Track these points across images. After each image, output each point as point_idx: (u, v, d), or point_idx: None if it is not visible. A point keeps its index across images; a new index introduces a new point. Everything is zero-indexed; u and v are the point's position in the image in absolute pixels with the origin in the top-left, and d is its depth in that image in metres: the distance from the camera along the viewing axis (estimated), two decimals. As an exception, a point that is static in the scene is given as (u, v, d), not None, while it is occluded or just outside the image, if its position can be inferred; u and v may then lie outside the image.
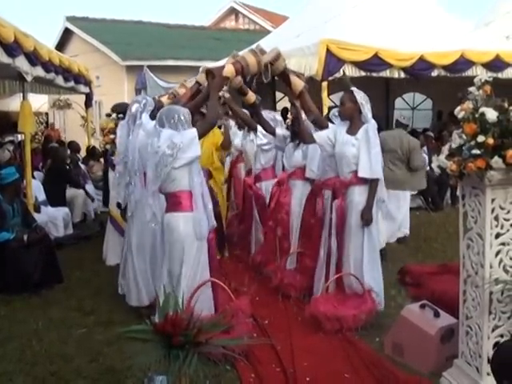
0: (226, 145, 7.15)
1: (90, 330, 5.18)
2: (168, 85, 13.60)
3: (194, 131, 4.59)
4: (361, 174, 5.20)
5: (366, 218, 5.21)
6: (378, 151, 5.23)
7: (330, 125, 5.60)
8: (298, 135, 6.14)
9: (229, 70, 5.03)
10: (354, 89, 5.41)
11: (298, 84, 5.57)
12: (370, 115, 5.31)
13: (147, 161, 5.25)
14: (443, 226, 8.73)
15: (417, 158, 7.97)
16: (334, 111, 5.83)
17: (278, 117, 7.09)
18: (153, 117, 5.49)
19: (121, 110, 8.27)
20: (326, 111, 8.64)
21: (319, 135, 5.51)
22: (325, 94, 8.87)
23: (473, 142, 3.40)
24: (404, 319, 4.48)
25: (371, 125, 5.25)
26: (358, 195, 5.27)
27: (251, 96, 6.28)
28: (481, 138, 3.36)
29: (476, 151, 3.37)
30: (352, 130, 5.32)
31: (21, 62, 6.94)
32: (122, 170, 5.77)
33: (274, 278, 6.01)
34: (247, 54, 5.14)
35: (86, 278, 6.75)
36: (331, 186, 5.49)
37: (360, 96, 5.30)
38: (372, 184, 5.22)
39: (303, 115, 5.88)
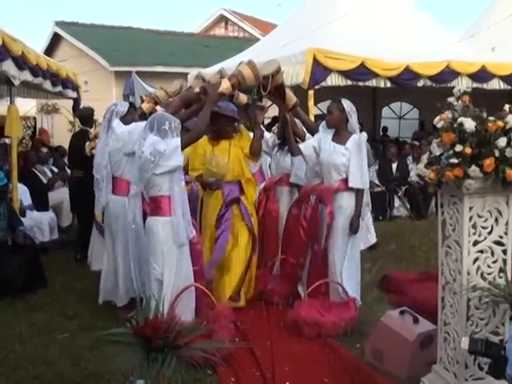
0: (254, 151, 5.84)
1: (72, 335, 5.18)
2: (156, 91, 13.63)
3: (177, 140, 4.63)
4: (352, 185, 5.29)
5: (355, 227, 5.32)
6: (366, 162, 5.35)
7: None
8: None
9: (225, 86, 5.00)
10: (342, 99, 5.47)
11: (292, 98, 5.62)
12: (356, 124, 5.42)
13: (117, 165, 5.46)
14: (427, 235, 8.80)
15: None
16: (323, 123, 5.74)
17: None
18: (125, 121, 5.59)
19: (83, 114, 8.37)
20: (312, 119, 8.73)
21: (305, 145, 5.60)
22: (311, 102, 8.98)
23: (451, 151, 3.46)
24: (384, 325, 4.53)
25: (363, 136, 5.33)
26: (346, 201, 5.36)
27: (242, 97, 6.17)
28: (458, 148, 3.42)
29: (454, 160, 3.42)
30: (339, 139, 5.39)
31: (8, 66, 6.92)
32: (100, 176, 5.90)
33: (257, 284, 6.04)
34: (243, 67, 5.09)
35: (70, 282, 6.74)
36: (318, 192, 5.56)
37: (347, 105, 5.38)
38: (359, 193, 5.34)
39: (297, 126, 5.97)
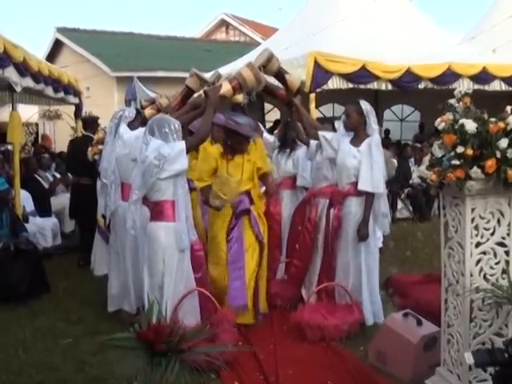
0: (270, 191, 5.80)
1: (76, 340, 5.17)
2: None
3: (182, 144, 4.57)
4: (361, 187, 5.16)
5: (363, 234, 5.20)
6: (381, 166, 5.21)
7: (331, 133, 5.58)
8: (290, 141, 6.22)
9: (226, 89, 4.98)
10: (360, 100, 5.35)
11: (295, 81, 5.54)
12: (374, 126, 5.26)
13: (125, 171, 5.38)
14: (430, 237, 8.79)
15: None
16: (340, 124, 5.69)
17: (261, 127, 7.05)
18: (132, 127, 5.60)
19: (88, 119, 8.40)
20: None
21: (322, 135, 5.46)
22: (313, 105, 8.97)
23: (452, 153, 3.46)
24: (387, 328, 4.52)
25: (375, 138, 5.22)
26: (356, 206, 5.27)
27: (238, 95, 5.93)
28: (460, 149, 3.42)
29: (455, 162, 3.42)
30: (356, 142, 5.29)
31: (10, 73, 6.95)
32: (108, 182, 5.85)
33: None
34: (243, 69, 5.06)
35: (74, 288, 6.74)
36: (328, 195, 5.46)
37: (366, 107, 5.25)
38: (368, 198, 5.20)
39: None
